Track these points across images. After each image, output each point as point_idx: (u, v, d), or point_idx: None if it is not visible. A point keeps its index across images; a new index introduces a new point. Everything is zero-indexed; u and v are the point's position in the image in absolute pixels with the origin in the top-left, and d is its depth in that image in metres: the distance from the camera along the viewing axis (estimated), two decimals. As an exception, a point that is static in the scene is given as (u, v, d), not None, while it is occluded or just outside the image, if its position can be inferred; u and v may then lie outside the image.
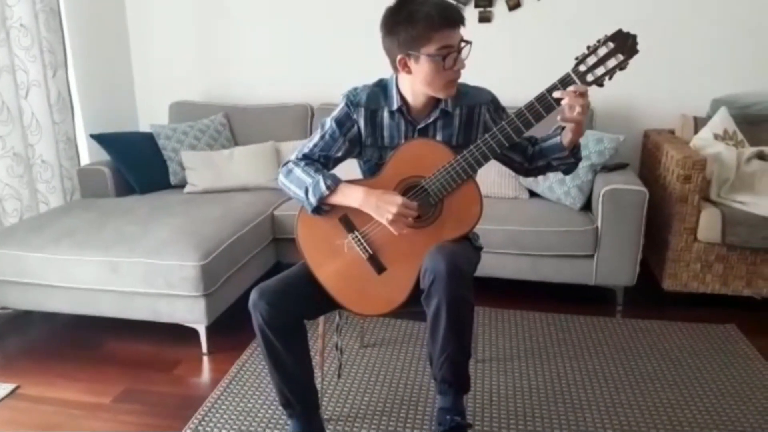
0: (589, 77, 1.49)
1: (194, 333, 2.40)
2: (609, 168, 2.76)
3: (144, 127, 3.66)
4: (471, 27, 1.58)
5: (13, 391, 2.18)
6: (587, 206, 2.75)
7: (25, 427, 1.98)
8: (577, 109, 1.48)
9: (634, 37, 1.46)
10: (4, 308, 2.61)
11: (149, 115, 3.68)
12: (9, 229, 2.62)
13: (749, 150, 2.72)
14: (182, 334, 2.42)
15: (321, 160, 1.70)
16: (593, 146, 2.70)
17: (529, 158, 1.75)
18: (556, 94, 1.48)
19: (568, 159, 1.66)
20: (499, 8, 3.21)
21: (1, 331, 2.66)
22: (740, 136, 2.82)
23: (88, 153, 3.37)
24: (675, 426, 1.90)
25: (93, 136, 3.15)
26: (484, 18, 3.22)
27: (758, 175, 2.63)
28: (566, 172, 1.75)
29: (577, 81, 1.48)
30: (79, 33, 3.31)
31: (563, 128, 1.61)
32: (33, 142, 2.98)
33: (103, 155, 3.18)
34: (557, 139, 1.64)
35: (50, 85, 3.04)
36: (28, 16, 2.89)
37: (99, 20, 3.48)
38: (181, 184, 3.16)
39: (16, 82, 2.86)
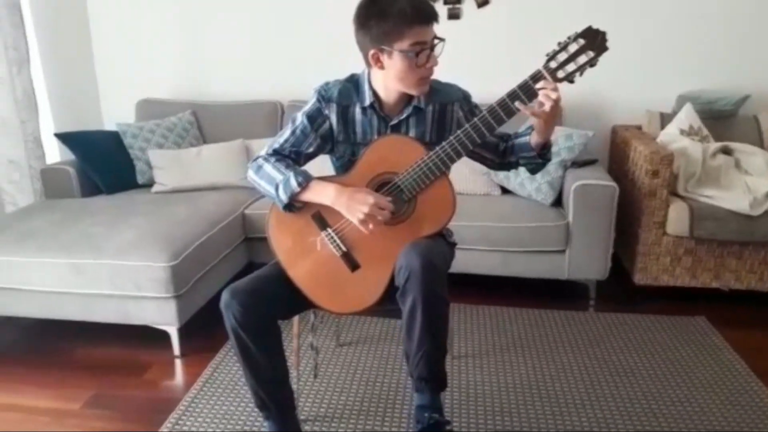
0: (560, 74, 1.49)
1: (165, 335, 2.35)
2: (579, 164, 2.78)
3: (110, 126, 3.57)
4: (440, 24, 1.57)
5: (-25, 400, 2.11)
6: (558, 202, 2.77)
7: (-11, 437, 1.93)
8: (549, 104, 1.48)
9: (604, 33, 1.47)
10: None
11: (115, 114, 3.59)
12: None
13: (714, 145, 2.78)
14: (153, 336, 2.37)
15: (292, 156, 1.67)
16: (563, 142, 2.72)
17: (500, 154, 1.75)
18: (539, 85, 1.47)
19: (535, 159, 1.67)
20: (468, 5, 3.21)
21: (-38, 337, 2.58)
22: (705, 132, 2.87)
23: (58, 152, 3.28)
24: (649, 416, 1.92)
25: (57, 135, 3.07)
26: (453, 15, 3.22)
27: (723, 169, 2.69)
28: (532, 172, 1.76)
29: (549, 77, 1.48)
30: (41, 28, 3.21)
31: (533, 128, 1.62)
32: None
33: (71, 154, 3.10)
34: (527, 138, 1.65)
35: (16, 82, 2.94)
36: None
37: (59, 15, 3.38)
38: (149, 184, 3.10)
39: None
